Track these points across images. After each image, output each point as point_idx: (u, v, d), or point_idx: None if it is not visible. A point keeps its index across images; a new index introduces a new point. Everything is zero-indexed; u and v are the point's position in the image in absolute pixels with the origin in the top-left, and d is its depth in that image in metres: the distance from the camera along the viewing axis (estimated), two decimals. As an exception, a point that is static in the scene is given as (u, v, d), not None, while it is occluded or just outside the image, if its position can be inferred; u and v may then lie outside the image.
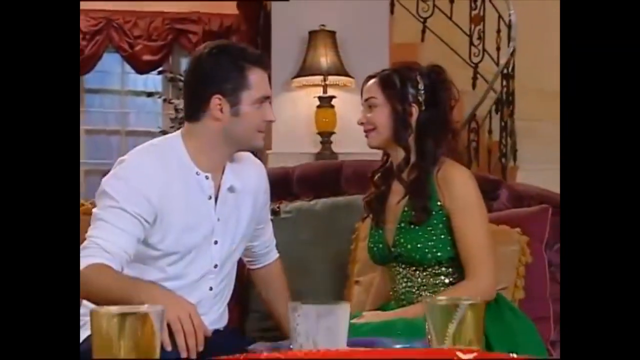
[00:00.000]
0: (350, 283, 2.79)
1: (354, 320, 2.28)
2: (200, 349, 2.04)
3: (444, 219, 2.34)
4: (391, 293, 2.48)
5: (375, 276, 2.67)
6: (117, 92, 8.95)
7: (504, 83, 6.09)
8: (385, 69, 2.50)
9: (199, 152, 2.34)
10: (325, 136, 5.57)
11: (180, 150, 2.33)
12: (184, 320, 2.03)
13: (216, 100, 2.28)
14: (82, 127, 8.36)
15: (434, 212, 2.34)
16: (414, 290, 2.38)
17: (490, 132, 6.04)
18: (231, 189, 2.39)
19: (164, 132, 7.77)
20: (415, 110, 2.40)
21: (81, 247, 2.13)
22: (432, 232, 2.34)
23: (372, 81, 2.46)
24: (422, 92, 2.41)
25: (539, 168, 6.19)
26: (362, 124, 2.45)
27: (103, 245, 2.14)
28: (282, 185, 3.15)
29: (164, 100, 8.35)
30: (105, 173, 2.35)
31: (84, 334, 2.25)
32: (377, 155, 2.61)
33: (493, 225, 2.77)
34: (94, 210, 2.23)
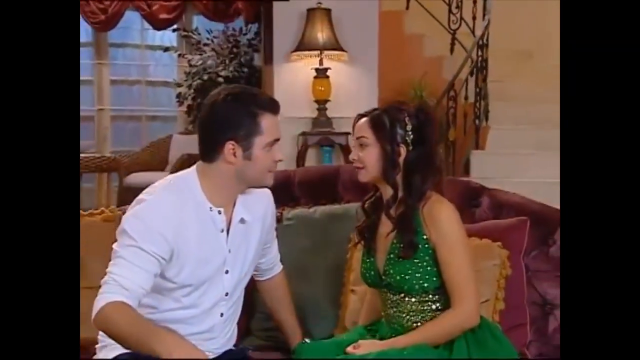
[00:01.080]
0: (347, 290, 2.60)
1: (352, 349, 2.15)
2: None
3: (430, 251, 2.18)
4: (382, 314, 2.33)
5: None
6: (138, 46, 9.02)
7: (479, 53, 5.89)
8: (376, 108, 2.29)
9: (212, 190, 2.16)
10: (321, 103, 5.55)
11: (195, 188, 2.16)
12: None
13: (230, 146, 2.10)
14: (108, 78, 8.55)
15: (420, 246, 2.18)
16: (403, 315, 2.24)
17: (466, 97, 5.79)
18: (242, 221, 2.23)
19: (178, 85, 7.70)
20: (403, 150, 2.21)
21: (102, 281, 2.04)
22: (419, 264, 2.19)
23: (363, 120, 2.25)
24: (410, 132, 2.22)
25: (509, 128, 6.05)
26: (354, 160, 2.28)
27: (121, 282, 1.99)
28: (284, 190, 2.94)
29: (179, 55, 8.41)
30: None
31: (101, 354, 2.17)
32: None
33: (476, 239, 2.60)
34: (114, 246, 2.07)
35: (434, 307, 2.21)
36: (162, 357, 1.86)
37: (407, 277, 2.19)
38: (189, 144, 7.00)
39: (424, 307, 2.21)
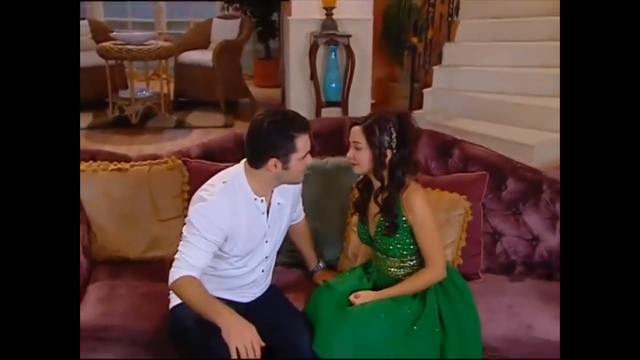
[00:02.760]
0: (350, 228, 2.59)
1: (353, 299, 2.20)
2: None
3: (408, 228, 2.19)
4: (373, 262, 2.36)
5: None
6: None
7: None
8: (367, 117, 2.20)
9: (256, 185, 2.16)
10: (329, 9, 5.28)
11: (244, 185, 2.15)
12: (247, 347, 1.93)
13: (272, 161, 2.08)
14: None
15: (400, 225, 2.18)
16: (388, 268, 2.27)
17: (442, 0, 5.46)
18: (278, 204, 2.24)
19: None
20: (389, 152, 2.16)
21: (176, 257, 2.08)
22: (400, 238, 2.20)
23: (357, 128, 2.19)
24: (395, 139, 2.16)
25: (474, 22, 5.75)
26: (350, 158, 2.23)
27: (189, 261, 2.05)
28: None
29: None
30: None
31: (172, 302, 2.20)
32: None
33: (447, 192, 2.59)
34: (183, 231, 2.11)
35: (411, 263, 2.25)
36: (218, 323, 1.95)
37: (390, 247, 2.22)
38: (227, 27, 6.72)
39: (404, 264, 2.25)
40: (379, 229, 2.23)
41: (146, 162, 2.77)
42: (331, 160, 2.74)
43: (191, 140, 5.33)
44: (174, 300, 2.17)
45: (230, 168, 2.21)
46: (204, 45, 6.74)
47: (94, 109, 6.03)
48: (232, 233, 2.10)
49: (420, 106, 5.55)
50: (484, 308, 2.29)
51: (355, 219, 2.53)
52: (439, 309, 2.17)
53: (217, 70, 6.14)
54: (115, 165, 2.72)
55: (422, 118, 5.36)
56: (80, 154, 2.81)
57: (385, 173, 2.18)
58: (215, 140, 2.94)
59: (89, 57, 5.90)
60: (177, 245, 2.15)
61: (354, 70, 5.42)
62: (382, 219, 2.21)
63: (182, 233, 2.11)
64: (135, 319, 2.30)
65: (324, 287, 2.33)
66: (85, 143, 5.25)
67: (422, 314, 2.15)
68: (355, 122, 2.21)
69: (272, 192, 2.21)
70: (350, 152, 2.21)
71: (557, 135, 4.80)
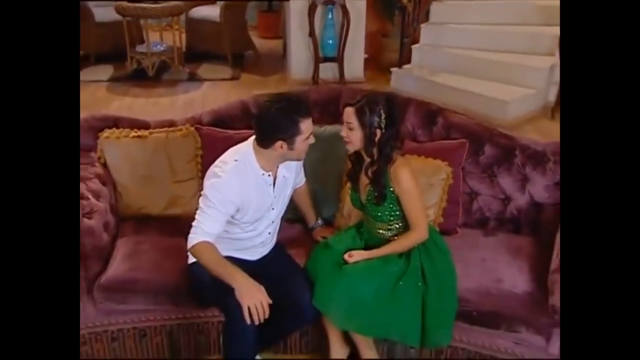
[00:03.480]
0: (344, 191, 2.57)
1: (348, 258, 2.22)
2: (261, 321, 1.98)
3: (395, 198, 2.18)
4: (365, 224, 2.36)
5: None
6: None
7: None
8: (359, 100, 2.15)
9: (264, 162, 2.15)
10: None
11: (253, 162, 2.14)
12: (257, 306, 1.96)
13: (279, 143, 2.08)
14: None
15: (387, 196, 2.18)
16: (378, 230, 2.28)
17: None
18: (284, 177, 2.24)
19: None
20: (378, 132, 2.12)
21: (193, 224, 2.09)
22: (387, 206, 2.20)
23: (350, 109, 2.14)
24: (384, 119, 2.12)
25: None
26: (344, 136, 2.19)
27: (205, 229, 2.08)
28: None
29: None
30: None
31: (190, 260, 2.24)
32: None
33: (431, 158, 2.58)
34: (200, 202, 2.12)
35: (397, 226, 2.25)
36: (232, 285, 1.98)
37: (379, 213, 2.23)
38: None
39: (391, 227, 2.26)
40: (369, 198, 2.23)
41: (163, 129, 2.74)
42: (328, 128, 2.69)
43: (202, 93, 5.25)
44: (192, 258, 2.20)
45: (241, 146, 2.18)
46: (212, 0, 6.50)
47: (115, 62, 5.89)
48: (242, 205, 2.11)
49: (409, 61, 5.43)
50: (460, 263, 2.32)
51: (349, 184, 2.53)
52: (421, 266, 2.20)
53: (224, 25, 5.96)
54: (135, 132, 2.70)
55: (410, 73, 5.28)
56: (104, 120, 2.78)
57: (374, 150, 2.16)
58: (224, 108, 2.89)
59: (108, 13, 5.74)
60: (193, 204, 2.18)
61: (349, 29, 5.27)
62: (371, 189, 2.21)
63: (197, 193, 2.13)
64: (158, 273, 2.34)
65: (322, 246, 2.36)
66: (107, 95, 5.17)
67: (406, 270, 2.19)
68: (348, 103, 2.17)
69: (277, 167, 2.20)
70: (344, 131, 2.18)
71: (531, 91, 4.76)
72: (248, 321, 1.94)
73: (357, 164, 2.28)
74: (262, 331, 2.03)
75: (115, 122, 2.76)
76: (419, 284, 2.18)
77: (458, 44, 5.24)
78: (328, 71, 5.51)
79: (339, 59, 5.39)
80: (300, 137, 2.07)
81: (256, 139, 2.13)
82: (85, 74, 5.65)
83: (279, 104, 2.06)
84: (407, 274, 2.18)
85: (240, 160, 2.12)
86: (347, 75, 5.46)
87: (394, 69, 5.37)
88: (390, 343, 2.37)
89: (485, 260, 2.44)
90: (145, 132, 2.70)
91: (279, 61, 6.21)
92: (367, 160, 2.20)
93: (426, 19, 5.45)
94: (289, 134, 2.05)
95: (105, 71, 5.77)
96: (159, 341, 2.44)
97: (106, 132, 2.68)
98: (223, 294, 2.01)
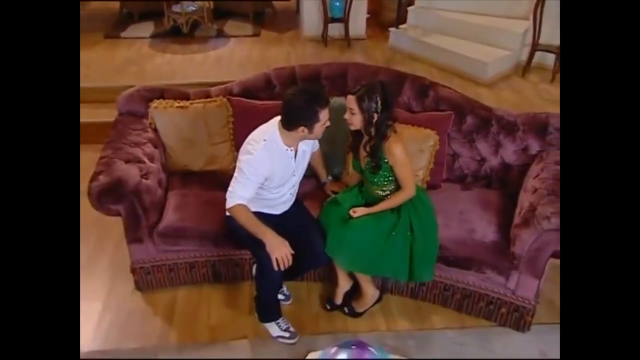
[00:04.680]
0: (349, 155, 2.53)
1: (352, 213, 2.25)
2: (286, 267, 2.05)
3: (388, 167, 2.19)
4: (365, 186, 2.37)
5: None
6: None
7: None
8: (359, 89, 2.12)
9: (288, 141, 2.14)
10: None
11: (279, 141, 2.13)
12: (283, 258, 2.03)
13: (301, 128, 2.07)
14: None
15: (382, 166, 2.19)
16: (375, 190, 2.30)
17: None
18: (303, 151, 2.24)
19: None
20: (376, 115, 2.11)
21: (229, 189, 2.11)
22: (382, 173, 2.21)
23: (351, 97, 2.12)
24: (380, 104, 2.10)
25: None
26: (346, 119, 2.18)
27: (240, 194, 2.10)
28: (314, 81, 2.74)
29: None
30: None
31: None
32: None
33: (422, 128, 2.55)
34: (235, 173, 2.12)
35: (391, 188, 2.27)
36: (263, 240, 2.03)
37: (375, 179, 2.24)
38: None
39: (385, 188, 2.27)
40: (367, 167, 2.23)
41: (201, 100, 2.71)
42: (337, 100, 2.64)
43: (229, 50, 5.07)
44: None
45: (268, 126, 2.16)
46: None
47: (155, 19, 5.67)
48: (270, 175, 2.13)
49: (405, 21, 5.19)
50: (442, 215, 2.37)
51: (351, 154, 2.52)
52: (410, 219, 2.25)
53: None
54: (179, 103, 2.68)
55: (405, 33, 5.06)
56: (153, 91, 2.75)
57: (372, 129, 2.15)
58: (251, 80, 2.83)
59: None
60: (227, 162, 2.27)
61: (354, -7, 4.99)
62: (369, 160, 2.21)
63: (229, 153, 2.24)
64: (202, 222, 2.41)
65: (331, 202, 2.40)
66: (150, 51, 5.01)
67: (397, 223, 2.24)
68: (350, 92, 2.15)
69: (298, 143, 2.20)
70: (347, 115, 2.17)
71: (506, 52, 4.58)
72: (276, 269, 2.03)
73: (357, 139, 2.27)
74: (286, 271, 2.11)
75: (162, 93, 2.73)
76: (408, 233, 2.23)
77: (447, 7, 4.98)
78: (335, 30, 5.29)
79: (344, 20, 5.15)
80: (319, 123, 2.07)
81: (281, 122, 2.11)
82: (130, 31, 5.46)
83: (302, 96, 2.03)
84: (398, 226, 2.23)
85: (268, 140, 2.11)
86: (352, 33, 5.24)
87: (391, 29, 5.14)
88: (384, 278, 2.48)
89: (463, 212, 2.49)
90: (187, 103, 2.68)
91: (292, 19, 5.94)
92: (366, 137, 2.19)
93: (421, -17, 5.14)
94: (310, 122, 2.05)
95: (147, 28, 5.55)
96: (204, 271, 2.56)
97: (155, 103, 2.66)
98: (255, 247, 2.09)
